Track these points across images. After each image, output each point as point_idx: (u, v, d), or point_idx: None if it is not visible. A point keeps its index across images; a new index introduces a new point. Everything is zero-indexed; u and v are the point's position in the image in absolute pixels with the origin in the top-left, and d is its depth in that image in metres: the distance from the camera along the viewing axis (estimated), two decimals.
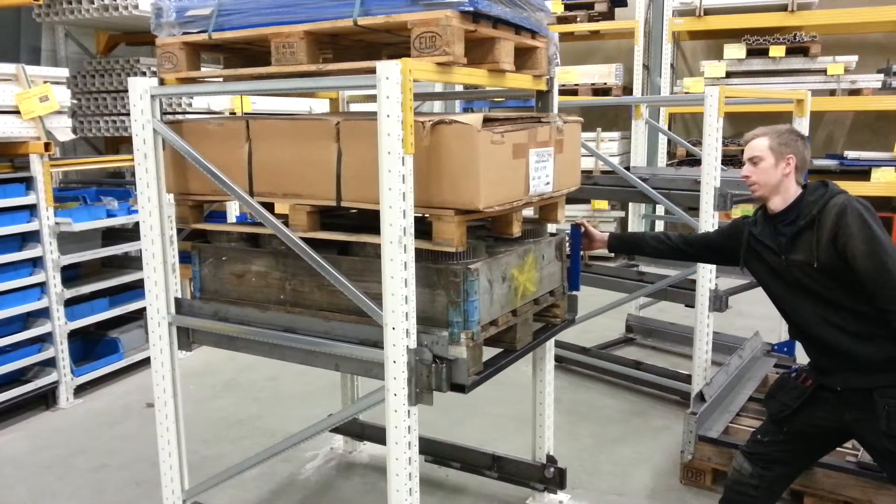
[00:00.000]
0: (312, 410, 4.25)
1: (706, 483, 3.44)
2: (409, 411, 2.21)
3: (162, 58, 2.63)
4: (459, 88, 5.85)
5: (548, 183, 2.62)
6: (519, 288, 2.60)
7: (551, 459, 3.30)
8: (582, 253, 3.13)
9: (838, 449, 3.26)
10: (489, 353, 2.52)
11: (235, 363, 5.23)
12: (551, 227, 2.97)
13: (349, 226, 2.61)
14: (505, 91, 3.31)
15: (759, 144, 2.59)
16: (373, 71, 2.04)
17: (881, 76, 7.64)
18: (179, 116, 5.41)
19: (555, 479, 3.28)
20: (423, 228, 2.34)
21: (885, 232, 2.38)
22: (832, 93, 7.72)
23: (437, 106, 8.31)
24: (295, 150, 2.48)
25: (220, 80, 2.77)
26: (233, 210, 5.30)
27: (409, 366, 2.18)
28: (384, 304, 2.16)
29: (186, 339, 2.78)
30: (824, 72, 7.62)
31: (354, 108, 3.57)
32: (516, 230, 2.55)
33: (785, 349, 4.70)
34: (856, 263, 2.35)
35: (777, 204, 2.58)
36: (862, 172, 7.62)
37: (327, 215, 2.65)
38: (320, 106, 5.83)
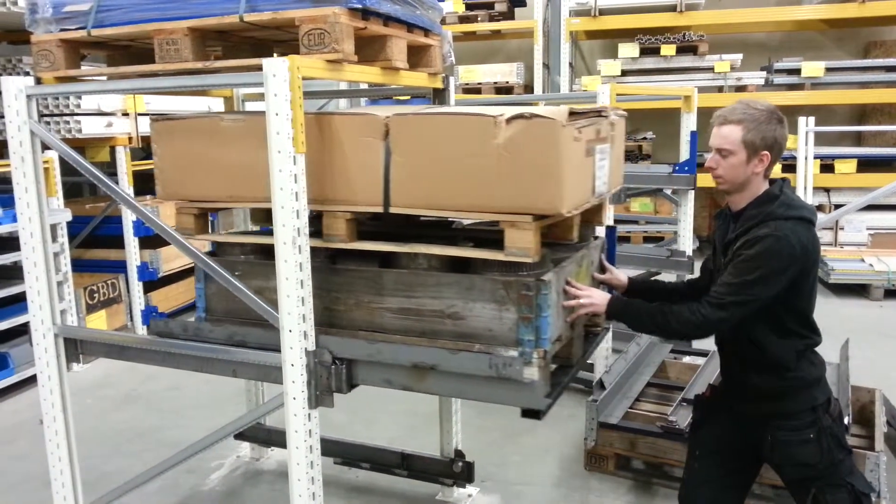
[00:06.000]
0: (217, 420, 4.10)
1: (609, 468, 3.55)
2: (309, 415, 2.19)
3: (38, 56, 2.50)
4: (365, 86, 5.82)
5: (605, 182, 2.42)
6: None
7: (459, 454, 3.33)
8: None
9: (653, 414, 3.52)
10: None
11: (136, 374, 5.03)
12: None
13: (388, 234, 2.33)
14: (410, 89, 3.29)
15: (730, 135, 2.19)
16: (260, 68, 2.00)
17: (764, 73, 8.08)
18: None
19: (463, 473, 3.31)
20: (482, 237, 2.20)
21: (775, 276, 2.13)
22: (720, 89, 8.10)
23: (343, 104, 8.23)
24: (329, 149, 2.20)
25: (104, 78, 2.66)
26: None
27: (308, 368, 2.16)
28: (280, 306, 2.12)
29: (75, 350, 2.65)
30: (712, 69, 8.00)
31: (250, 106, 3.49)
32: (576, 235, 2.32)
33: None
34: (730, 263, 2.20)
35: (737, 202, 2.28)
36: None
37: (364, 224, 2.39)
38: (216, 104, 5.68)
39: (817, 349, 2.32)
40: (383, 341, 2.20)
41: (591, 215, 2.60)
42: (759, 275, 2.13)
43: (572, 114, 2.04)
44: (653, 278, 2.83)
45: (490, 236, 2.28)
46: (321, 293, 2.26)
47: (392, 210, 2.18)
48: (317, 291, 2.21)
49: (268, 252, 2.35)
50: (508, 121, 1.99)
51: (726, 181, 2.24)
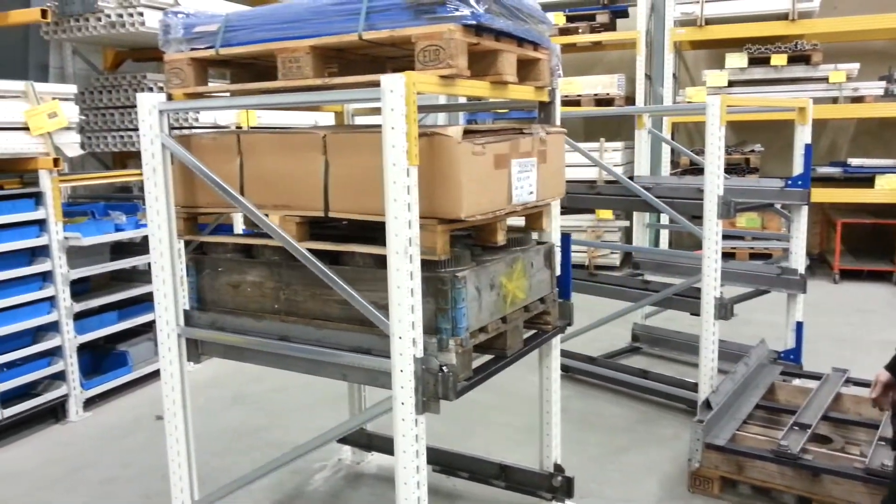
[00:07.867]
0: (320, 422, 4.27)
1: (714, 491, 3.44)
2: (416, 420, 2.23)
3: (170, 73, 2.68)
4: (463, 100, 5.90)
5: (531, 192, 2.66)
6: (508, 295, 2.64)
7: (559, 468, 3.31)
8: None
9: (846, 454, 3.27)
10: (480, 360, 2.55)
11: (243, 376, 5.25)
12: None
13: (339, 236, 2.65)
14: (508, 102, 3.34)
15: None
16: (377, 84, 2.07)
17: (883, 83, 7.67)
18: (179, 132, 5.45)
19: (562, 487, 3.28)
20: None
21: None
22: (835, 100, 7.74)
23: (441, 118, 8.36)
24: (284, 162, 2.53)
25: (228, 94, 2.81)
26: (239, 222, 5.34)
27: (416, 375, 2.20)
28: (391, 313, 2.18)
29: (195, 350, 2.81)
30: (826, 79, 7.66)
31: (359, 121, 3.60)
32: (500, 238, 2.60)
33: (791, 356, 4.70)
34: None
35: None
36: (866, 179, 7.62)
37: (317, 226, 2.69)
38: (325, 119, 5.87)
39: None
40: (332, 329, 2.51)
41: (533, 222, 2.93)
42: None
43: (473, 132, 2.32)
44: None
45: None
46: (281, 287, 2.63)
47: (331, 214, 2.46)
48: (279, 286, 2.60)
49: (246, 251, 2.78)
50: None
51: None
